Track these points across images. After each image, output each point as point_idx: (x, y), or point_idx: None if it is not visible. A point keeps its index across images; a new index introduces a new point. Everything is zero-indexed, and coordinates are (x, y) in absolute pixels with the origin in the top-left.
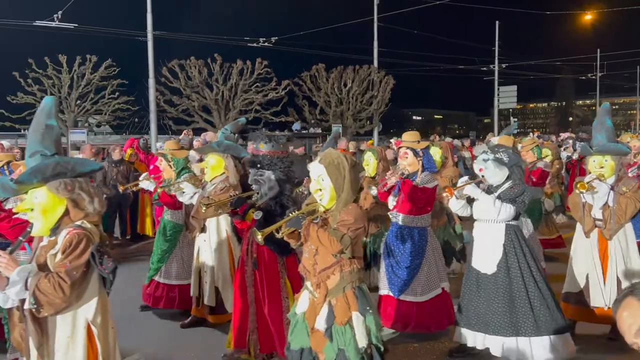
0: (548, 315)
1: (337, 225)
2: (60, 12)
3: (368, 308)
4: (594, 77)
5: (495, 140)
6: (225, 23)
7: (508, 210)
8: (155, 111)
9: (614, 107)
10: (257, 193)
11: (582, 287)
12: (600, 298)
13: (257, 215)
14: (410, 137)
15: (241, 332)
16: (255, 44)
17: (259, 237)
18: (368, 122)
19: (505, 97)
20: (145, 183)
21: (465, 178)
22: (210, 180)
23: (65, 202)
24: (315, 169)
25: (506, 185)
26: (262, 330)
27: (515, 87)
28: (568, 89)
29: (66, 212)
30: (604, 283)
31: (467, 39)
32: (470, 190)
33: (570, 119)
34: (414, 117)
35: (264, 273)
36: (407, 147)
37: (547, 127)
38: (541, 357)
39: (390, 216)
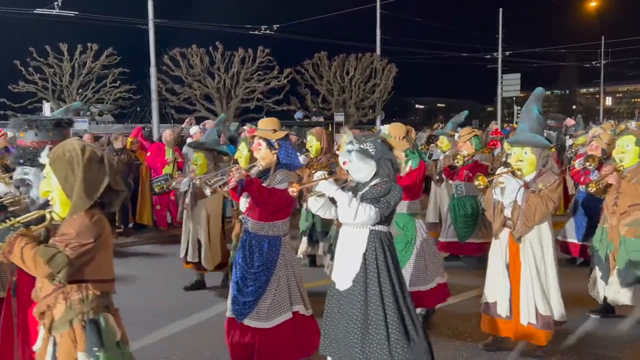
0: (407, 347)
1: (56, 240)
2: (60, 0)
3: (96, 349)
4: (598, 64)
5: (385, 128)
6: (226, 11)
7: (367, 212)
8: (157, 100)
9: (617, 95)
10: (27, 197)
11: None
12: (504, 306)
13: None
14: (265, 124)
15: None
16: (257, 32)
17: None
18: (370, 111)
19: (509, 85)
20: None
21: (320, 173)
22: None
23: None
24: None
25: (373, 182)
26: None
27: (518, 75)
28: (572, 76)
29: None
30: (510, 291)
31: (470, 27)
32: (324, 187)
33: (574, 107)
34: (417, 106)
35: (19, 301)
36: (261, 137)
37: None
38: None
39: (242, 221)
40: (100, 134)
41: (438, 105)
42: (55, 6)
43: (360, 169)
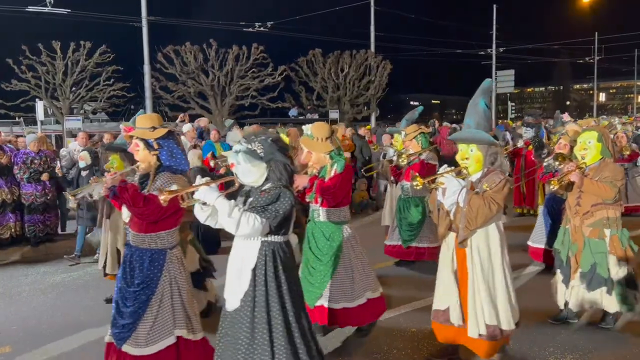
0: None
1: None
2: None
3: None
4: (591, 60)
5: (307, 128)
6: (220, 8)
7: (251, 223)
8: (151, 98)
9: (611, 91)
10: None
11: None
12: (455, 314)
13: None
14: (142, 122)
15: None
16: (251, 29)
17: None
18: (365, 108)
19: (503, 81)
20: None
21: (199, 177)
22: None
23: None
24: None
25: (263, 187)
26: None
27: (512, 72)
28: (566, 72)
29: None
30: (459, 297)
31: (464, 23)
32: (204, 194)
33: (568, 103)
34: (411, 103)
35: None
36: (137, 137)
37: (545, 112)
38: None
39: (126, 232)
40: (94, 132)
41: (433, 101)
42: (48, 4)
43: (249, 172)
